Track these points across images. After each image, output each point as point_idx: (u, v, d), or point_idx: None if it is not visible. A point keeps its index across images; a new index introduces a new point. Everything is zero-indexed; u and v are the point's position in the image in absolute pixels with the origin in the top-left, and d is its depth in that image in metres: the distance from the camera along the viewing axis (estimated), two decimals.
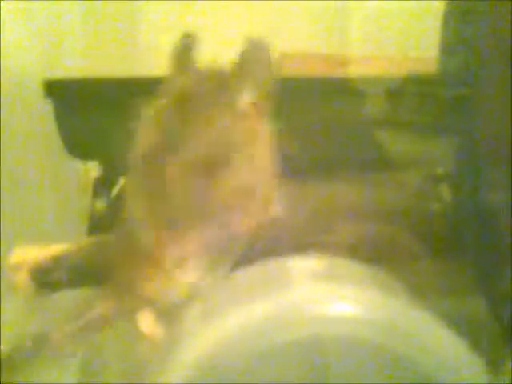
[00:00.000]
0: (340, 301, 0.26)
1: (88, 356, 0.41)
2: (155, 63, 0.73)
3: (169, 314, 0.34)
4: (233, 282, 0.33)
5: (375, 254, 0.39)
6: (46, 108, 0.58)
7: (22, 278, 0.46)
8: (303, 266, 0.32)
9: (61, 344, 0.39)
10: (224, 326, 0.26)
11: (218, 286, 0.33)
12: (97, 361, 0.41)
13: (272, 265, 0.32)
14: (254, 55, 0.39)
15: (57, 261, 0.46)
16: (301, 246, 0.40)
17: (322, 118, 0.57)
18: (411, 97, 0.57)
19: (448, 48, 0.51)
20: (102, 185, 0.56)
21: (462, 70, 0.48)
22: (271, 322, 0.26)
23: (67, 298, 0.46)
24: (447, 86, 0.54)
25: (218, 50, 0.74)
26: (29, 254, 0.47)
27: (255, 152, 0.38)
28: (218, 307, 0.30)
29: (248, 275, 0.33)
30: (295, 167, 0.55)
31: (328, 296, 0.27)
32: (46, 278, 0.45)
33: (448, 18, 0.51)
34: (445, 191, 0.58)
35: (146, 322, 0.34)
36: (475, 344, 0.27)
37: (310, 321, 0.26)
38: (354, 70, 0.66)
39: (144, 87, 0.55)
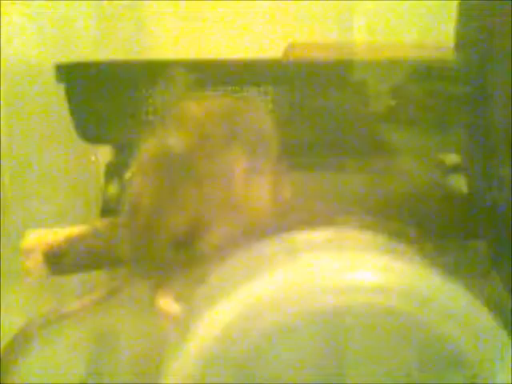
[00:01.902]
0: (357, 269, 0.26)
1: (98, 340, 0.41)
2: (167, 47, 0.73)
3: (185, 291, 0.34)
4: (243, 256, 0.32)
5: None
6: (57, 93, 0.58)
7: (35, 262, 0.46)
8: (315, 237, 0.31)
9: (77, 316, 0.39)
10: (238, 301, 0.26)
11: (229, 262, 0.33)
12: (107, 344, 0.41)
13: (286, 237, 0.32)
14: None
15: (70, 244, 0.46)
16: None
17: (330, 105, 0.57)
18: (420, 84, 0.57)
19: (462, 40, 0.50)
20: (114, 169, 0.56)
21: (475, 65, 0.48)
22: (286, 294, 0.25)
23: (77, 281, 0.47)
24: (461, 78, 0.53)
25: (225, 40, 0.75)
26: (42, 238, 0.47)
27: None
28: (230, 281, 0.29)
29: (258, 249, 0.32)
30: (301, 153, 0.55)
31: (344, 265, 0.26)
32: (59, 262, 0.45)
33: (462, 11, 0.51)
34: (455, 181, 0.58)
35: (166, 300, 0.34)
36: None
37: (327, 291, 0.25)
38: (364, 58, 0.65)
39: (156, 71, 0.56)
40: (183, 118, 0.37)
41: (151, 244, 0.34)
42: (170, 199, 0.34)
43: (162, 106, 0.39)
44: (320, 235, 0.31)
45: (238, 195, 0.36)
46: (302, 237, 0.31)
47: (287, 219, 0.42)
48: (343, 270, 0.25)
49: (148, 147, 0.37)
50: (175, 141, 0.35)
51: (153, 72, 0.55)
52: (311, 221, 0.43)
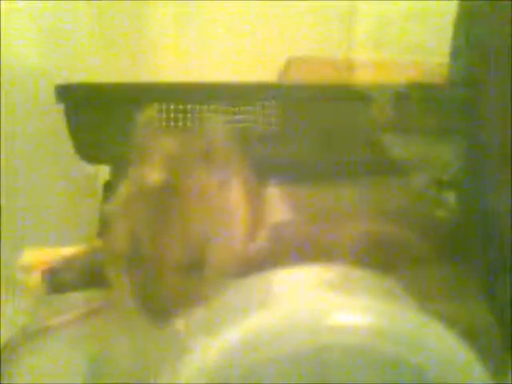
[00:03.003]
0: (346, 310, 0.26)
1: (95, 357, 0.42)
2: (165, 69, 0.74)
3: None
4: (238, 290, 0.33)
5: (379, 256, 0.40)
6: (57, 112, 0.58)
7: (33, 280, 0.46)
8: (309, 275, 0.32)
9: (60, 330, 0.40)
10: (228, 337, 0.26)
11: (222, 295, 0.33)
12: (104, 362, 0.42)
13: (276, 274, 0.33)
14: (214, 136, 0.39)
15: (67, 263, 0.47)
16: (305, 249, 0.41)
17: (327, 122, 0.57)
18: (418, 102, 0.57)
19: (457, 51, 0.51)
20: (112, 188, 0.57)
21: (470, 74, 0.49)
22: (276, 331, 0.26)
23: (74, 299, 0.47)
24: (455, 90, 0.54)
25: (225, 56, 0.75)
26: (40, 256, 0.48)
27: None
28: (222, 316, 0.30)
29: (253, 284, 0.33)
30: (301, 170, 0.56)
31: (334, 305, 0.27)
32: (56, 280, 0.46)
33: (458, 21, 0.51)
34: (450, 197, 0.58)
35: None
36: (478, 349, 0.27)
37: (316, 330, 0.26)
38: (362, 75, 0.66)
39: (154, 92, 0.57)
40: (159, 151, 0.38)
41: (162, 278, 0.35)
42: (166, 230, 0.35)
43: (137, 143, 0.40)
44: (311, 272, 0.31)
45: (220, 210, 0.37)
46: (293, 274, 0.31)
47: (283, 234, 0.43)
48: (330, 310, 0.26)
49: (129, 185, 0.38)
50: (155, 175, 0.37)
51: (152, 94, 0.56)
52: (310, 238, 0.44)
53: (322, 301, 0.27)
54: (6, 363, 0.38)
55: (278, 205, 0.49)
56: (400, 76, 0.62)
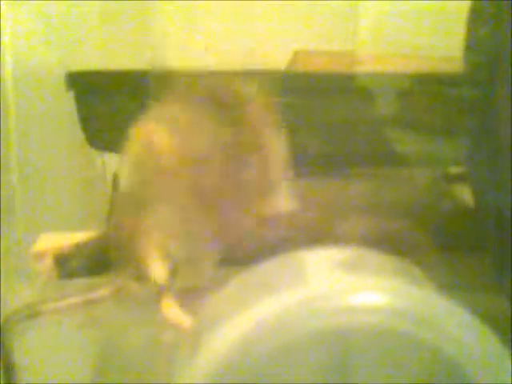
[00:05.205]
0: (364, 290, 0.26)
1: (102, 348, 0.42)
2: (174, 56, 0.74)
3: (194, 303, 0.34)
4: (253, 274, 0.33)
5: (387, 248, 0.40)
6: (67, 100, 0.58)
7: (46, 265, 0.47)
8: (326, 257, 0.32)
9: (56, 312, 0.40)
10: (246, 319, 0.26)
11: (238, 279, 0.33)
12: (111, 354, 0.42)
13: (293, 256, 0.33)
14: None
15: (79, 248, 0.47)
16: (313, 240, 0.41)
17: (334, 114, 0.57)
18: (425, 95, 0.57)
19: (470, 47, 0.51)
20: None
21: (483, 70, 0.49)
22: (294, 313, 0.26)
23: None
24: (467, 86, 0.54)
25: (230, 47, 0.75)
26: (53, 242, 0.48)
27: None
28: (238, 300, 0.30)
29: (269, 267, 0.33)
30: (308, 163, 0.56)
31: (352, 286, 0.27)
32: (68, 265, 0.46)
33: (470, 18, 0.51)
34: (458, 190, 0.58)
35: (170, 310, 0.35)
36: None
37: (334, 311, 0.26)
38: (367, 68, 0.66)
39: (164, 79, 0.56)
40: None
41: None
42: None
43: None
44: (328, 254, 0.31)
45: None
46: (310, 256, 0.31)
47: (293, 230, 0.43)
48: (349, 291, 0.26)
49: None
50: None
51: (162, 81, 0.56)
52: (316, 231, 0.44)
53: (340, 282, 0.27)
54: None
55: (286, 197, 0.49)
56: (407, 69, 0.63)
